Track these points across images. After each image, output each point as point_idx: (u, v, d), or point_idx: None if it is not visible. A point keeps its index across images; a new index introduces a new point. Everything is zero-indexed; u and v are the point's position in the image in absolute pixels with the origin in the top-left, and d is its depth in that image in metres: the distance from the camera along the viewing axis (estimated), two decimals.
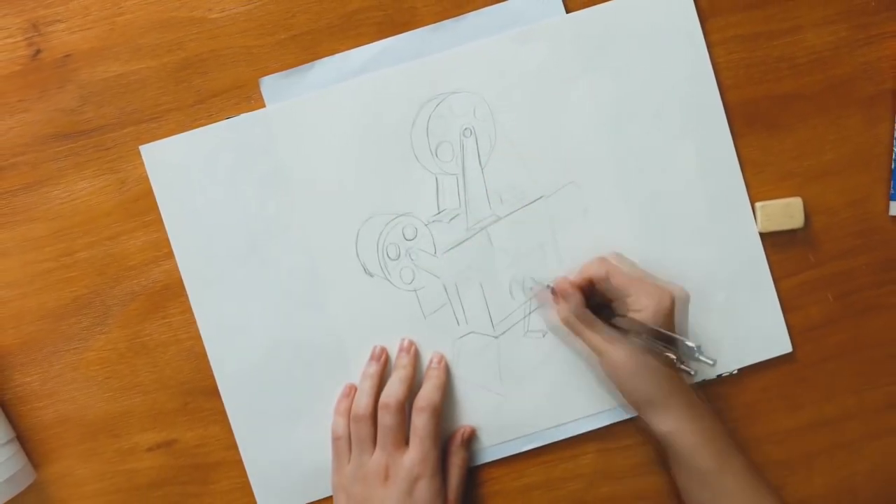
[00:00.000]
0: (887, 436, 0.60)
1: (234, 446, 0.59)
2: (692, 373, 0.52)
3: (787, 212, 0.59)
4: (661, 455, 0.59)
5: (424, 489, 0.54)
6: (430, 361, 0.59)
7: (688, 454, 0.54)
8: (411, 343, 0.59)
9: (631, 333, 0.54)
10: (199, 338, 0.59)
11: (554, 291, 0.57)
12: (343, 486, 0.56)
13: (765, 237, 0.59)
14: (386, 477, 0.55)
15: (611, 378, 0.55)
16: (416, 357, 0.59)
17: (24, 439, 0.59)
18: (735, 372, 0.59)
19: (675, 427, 0.53)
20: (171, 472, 0.59)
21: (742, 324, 0.59)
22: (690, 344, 0.51)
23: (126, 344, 0.59)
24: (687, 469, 0.54)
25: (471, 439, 0.59)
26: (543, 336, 0.59)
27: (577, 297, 0.55)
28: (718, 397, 0.60)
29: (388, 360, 0.59)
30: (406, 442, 0.56)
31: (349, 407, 0.58)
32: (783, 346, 0.59)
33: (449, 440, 0.58)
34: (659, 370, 0.53)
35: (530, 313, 0.59)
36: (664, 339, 0.52)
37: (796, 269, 0.60)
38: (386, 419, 0.56)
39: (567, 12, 0.59)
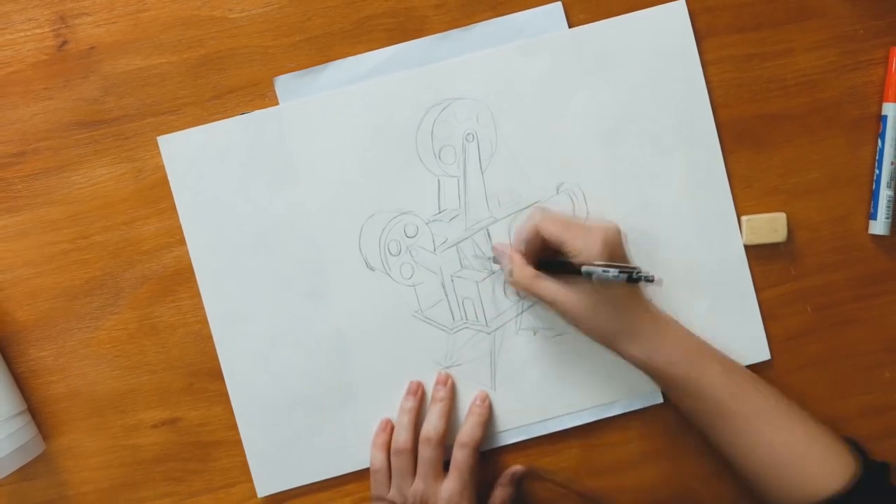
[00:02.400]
0: None
1: (235, 427, 0.62)
2: (653, 278, 0.52)
3: (771, 226, 0.62)
4: (643, 453, 0.62)
5: None
6: (475, 399, 0.61)
7: (663, 372, 0.55)
8: (448, 376, 0.61)
9: (583, 275, 0.54)
10: (205, 322, 0.61)
11: (495, 260, 0.59)
12: None
13: (749, 249, 0.62)
14: None
15: (573, 324, 0.56)
16: (453, 389, 0.61)
17: (34, 411, 0.61)
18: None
19: (645, 350, 0.55)
20: (173, 448, 0.62)
21: (724, 331, 0.62)
22: (622, 272, 0.52)
23: (136, 325, 0.62)
24: (667, 385, 0.56)
25: (522, 478, 0.61)
26: (535, 334, 0.62)
27: (518, 258, 0.57)
28: None
29: (424, 395, 0.61)
30: (444, 472, 0.59)
31: (386, 440, 0.60)
32: (762, 353, 0.62)
33: (502, 475, 0.61)
34: (614, 300, 0.54)
35: (523, 312, 0.62)
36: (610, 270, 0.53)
37: (778, 281, 0.63)
38: (427, 452, 0.58)
39: (570, 27, 0.61)
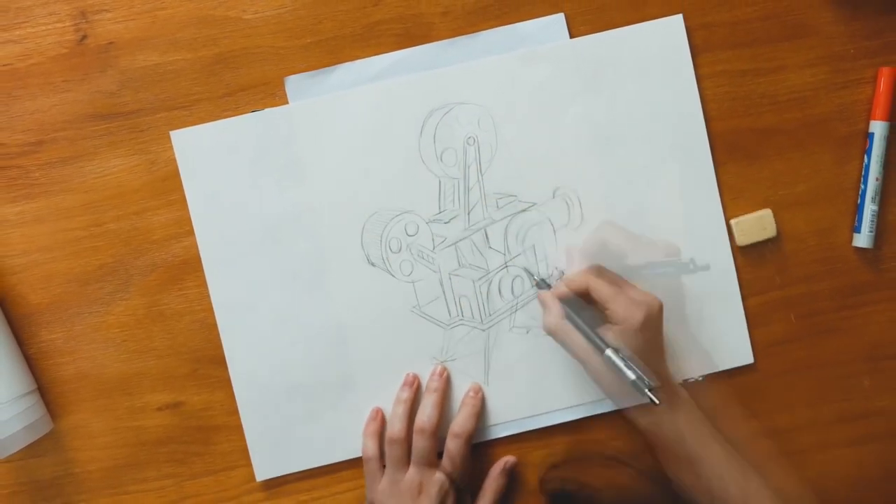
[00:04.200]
0: (834, 447, 0.65)
1: (236, 412, 0.64)
2: (656, 402, 0.54)
3: (760, 224, 0.64)
4: (626, 449, 0.65)
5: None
6: (468, 391, 0.64)
7: (669, 443, 0.57)
8: (444, 368, 0.64)
9: (608, 347, 0.57)
10: (211, 310, 0.63)
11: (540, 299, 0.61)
12: (378, 501, 0.61)
13: (736, 258, 0.64)
14: (419, 492, 0.60)
15: (594, 382, 0.58)
16: (447, 381, 0.64)
17: (44, 391, 0.64)
18: (700, 379, 0.64)
19: (656, 423, 0.57)
20: (176, 431, 0.64)
21: (710, 334, 0.64)
22: (633, 377, 0.55)
23: (144, 311, 0.64)
24: (669, 456, 0.58)
25: (513, 469, 0.63)
26: (527, 332, 0.64)
27: (556, 308, 0.59)
28: None
29: (419, 386, 0.64)
30: (437, 461, 0.61)
31: (377, 429, 0.63)
32: (746, 357, 0.64)
33: (494, 465, 0.63)
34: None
35: (516, 310, 0.64)
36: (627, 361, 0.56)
37: (764, 289, 0.65)
38: (420, 442, 0.61)
39: (571, 37, 0.64)
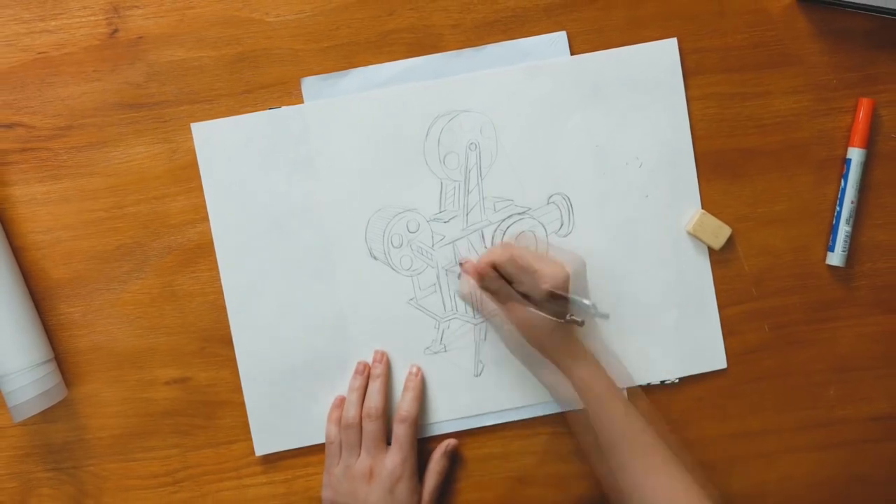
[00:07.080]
0: (799, 452, 0.69)
1: (240, 390, 0.67)
2: (581, 322, 0.60)
3: (715, 231, 0.67)
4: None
5: (404, 488, 0.63)
6: (409, 373, 0.67)
7: (600, 397, 0.61)
8: (383, 354, 0.67)
9: (531, 304, 0.61)
10: (221, 293, 0.67)
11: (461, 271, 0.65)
12: (332, 484, 0.65)
13: (715, 269, 0.68)
14: (370, 476, 0.63)
15: (509, 345, 0.63)
16: (388, 365, 0.67)
17: (60, 361, 0.67)
18: (676, 381, 0.68)
19: (588, 374, 0.61)
20: (182, 404, 0.67)
21: (687, 339, 0.68)
22: (587, 302, 0.59)
23: (158, 290, 0.67)
24: (598, 412, 0.61)
25: (453, 452, 0.67)
26: None
27: (477, 276, 0.63)
28: (659, 402, 0.68)
29: (370, 374, 0.67)
30: (387, 443, 0.65)
31: (340, 416, 0.66)
32: (719, 363, 0.68)
33: (434, 450, 0.67)
34: (552, 333, 0.61)
35: None
36: (563, 301, 0.60)
37: (740, 300, 0.69)
38: (369, 427, 0.64)
39: (572, 54, 0.67)
